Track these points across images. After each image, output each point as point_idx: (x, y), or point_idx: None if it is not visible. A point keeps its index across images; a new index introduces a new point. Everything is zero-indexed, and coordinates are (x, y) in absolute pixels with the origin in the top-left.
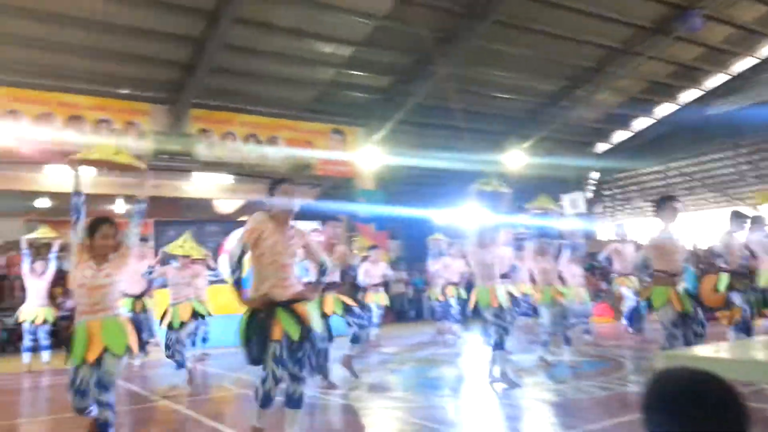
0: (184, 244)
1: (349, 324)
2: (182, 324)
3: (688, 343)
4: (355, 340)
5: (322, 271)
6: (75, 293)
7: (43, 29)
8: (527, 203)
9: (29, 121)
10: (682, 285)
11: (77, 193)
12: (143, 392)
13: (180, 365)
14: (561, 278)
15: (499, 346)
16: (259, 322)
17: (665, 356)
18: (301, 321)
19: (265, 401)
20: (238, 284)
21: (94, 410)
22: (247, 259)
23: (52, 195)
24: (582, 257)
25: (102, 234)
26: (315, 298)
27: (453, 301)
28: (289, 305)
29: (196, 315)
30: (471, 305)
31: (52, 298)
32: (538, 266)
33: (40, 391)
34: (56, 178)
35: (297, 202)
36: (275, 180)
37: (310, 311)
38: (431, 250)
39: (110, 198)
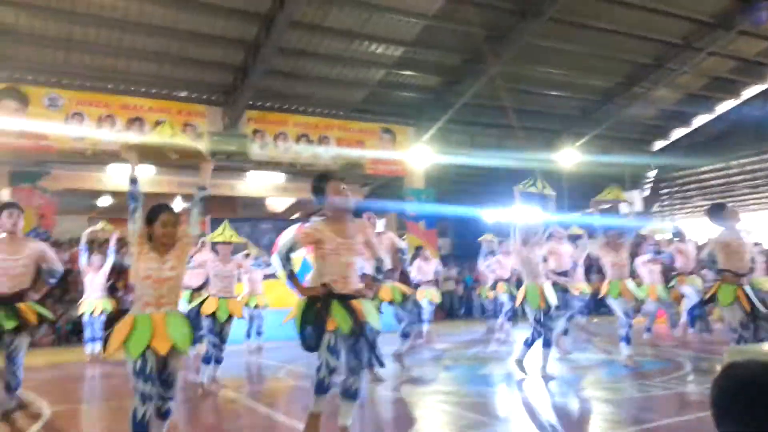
0: (223, 231)
1: (399, 320)
2: (229, 318)
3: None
4: (405, 335)
5: (378, 268)
6: (138, 285)
7: (107, 35)
8: (596, 196)
9: (92, 123)
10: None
11: (133, 180)
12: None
13: (218, 360)
14: (634, 275)
15: (529, 344)
16: (315, 311)
17: (734, 351)
18: (355, 315)
19: (320, 389)
20: (292, 275)
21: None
22: (298, 256)
23: (114, 194)
24: (664, 260)
25: (161, 222)
26: (372, 295)
27: (505, 297)
28: (345, 299)
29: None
30: (518, 302)
31: (113, 291)
32: (609, 261)
33: (100, 379)
34: (118, 178)
35: (352, 199)
36: (320, 176)
37: (367, 307)
38: (483, 250)
39: (169, 196)
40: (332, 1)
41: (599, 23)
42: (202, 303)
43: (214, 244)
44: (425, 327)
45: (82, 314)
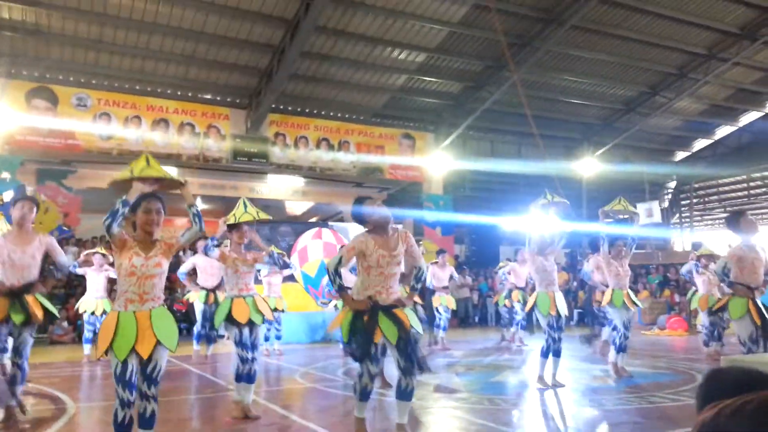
0: (246, 209)
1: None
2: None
3: None
4: None
5: (417, 277)
6: (122, 282)
7: (135, 37)
8: (606, 206)
9: (119, 123)
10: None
11: (125, 202)
12: (218, 380)
13: (252, 378)
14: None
15: (545, 354)
16: (362, 323)
17: (728, 361)
18: (401, 324)
19: (363, 395)
20: (342, 289)
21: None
22: (316, 259)
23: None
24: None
25: (144, 208)
26: (411, 304)
27: (518, 307)
28: (390, 309)
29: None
30: (527, 308)
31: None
32: (612, 270)
33: (96, 379)
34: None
35: (388, 211)
36: (357, 201)
37: (409, 314)
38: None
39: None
40: (357, 7)
41: (623, 32)
42: (229, 311)
43: (231, 227)
44: (441, 334)
45: (82, 313)
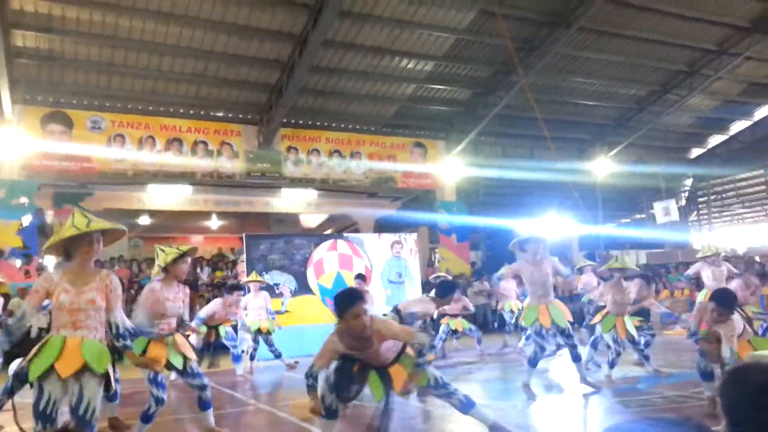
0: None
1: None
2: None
3: None
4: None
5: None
6: (54, 313)
7: (146, 59)
8: (603, 266)
9: (133, 144)
10: None
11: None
12: (242, 397)
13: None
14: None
15: (532, 362)
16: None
17: (752, 356)
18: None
19: (329, 413)
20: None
21: None
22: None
23: (152, 213)
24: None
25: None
26: None
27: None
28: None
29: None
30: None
31: None
32: (610, 298)
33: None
34: (157, 198)
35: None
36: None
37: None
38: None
39: (205, 214)
40: (364, 19)
41: (630, 31)
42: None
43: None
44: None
45: None
